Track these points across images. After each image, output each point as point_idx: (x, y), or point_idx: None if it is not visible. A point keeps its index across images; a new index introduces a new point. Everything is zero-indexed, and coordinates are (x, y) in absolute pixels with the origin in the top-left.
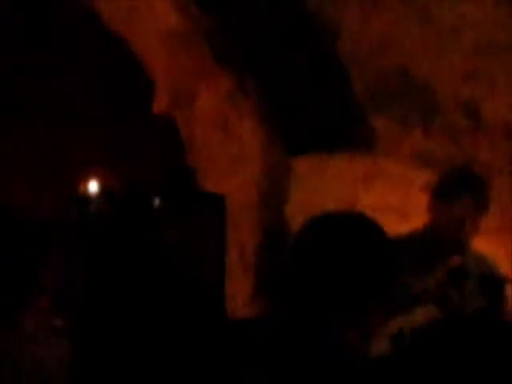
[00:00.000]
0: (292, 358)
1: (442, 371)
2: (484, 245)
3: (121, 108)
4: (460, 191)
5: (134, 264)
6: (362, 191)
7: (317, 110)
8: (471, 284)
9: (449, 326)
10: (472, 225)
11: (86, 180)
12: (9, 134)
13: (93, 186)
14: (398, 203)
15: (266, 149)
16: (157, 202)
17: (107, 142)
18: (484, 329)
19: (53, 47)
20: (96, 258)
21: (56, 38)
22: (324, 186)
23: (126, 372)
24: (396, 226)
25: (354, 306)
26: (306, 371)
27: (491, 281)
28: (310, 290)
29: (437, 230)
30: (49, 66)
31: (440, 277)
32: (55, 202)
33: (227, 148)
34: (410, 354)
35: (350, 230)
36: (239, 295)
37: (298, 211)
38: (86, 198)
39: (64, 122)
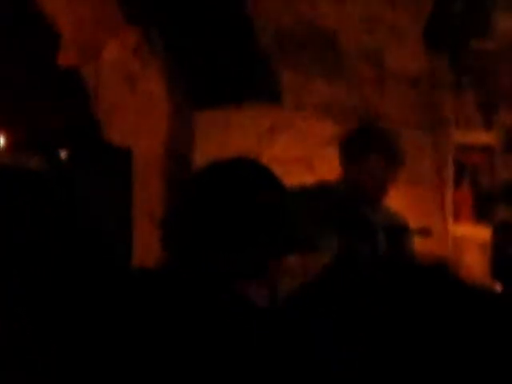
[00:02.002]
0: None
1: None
2: (390, 197)
3: (27, 60)
4: (367, 151)
5: (39, 215)
6: (266, 144)
7: (222, 63)
8: (381, 238)
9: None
10: (384, 182)
11: None
12: None
13: None
14: (304, 155)
15: (172, 102)
16: (63, 154)
17: (14, 94)
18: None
19: None
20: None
21: None
22: (229, 139)
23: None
24: (301, 178)
25: (242, 243)
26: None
27: (395, 231)
28: (196, 230)
29: (349, 186)
30: None
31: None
32: None
33: (133, 101)
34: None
35: (238, 169)
36: (148, 251)
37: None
38: None
39: None
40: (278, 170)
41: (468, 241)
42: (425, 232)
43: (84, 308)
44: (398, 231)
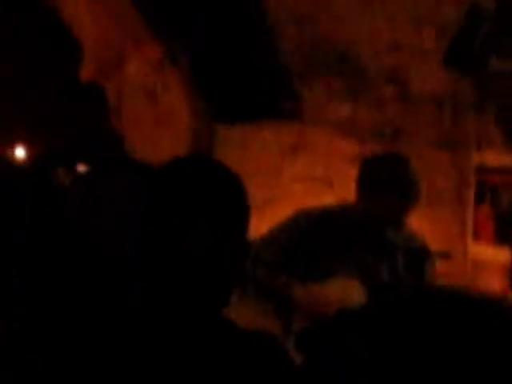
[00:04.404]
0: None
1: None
2: (409, 217)
3: (50, 73)
4: (386, 190)
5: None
6: (287, 160)
7: (245, 80)
8: (399, 259)
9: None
10: (401, 215)
11: (12, 146)
12: None
13: (19, 152)
14: (323, 172)
15: (193, 117)
16: (82, 168)
17: (36, 107)
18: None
19: None
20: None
21: None
22: (250, 155)
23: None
24: (320, 195)
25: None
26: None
27: (414, 253)
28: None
29: (367, 215)
30: None
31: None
32: None
33: (154, 115)
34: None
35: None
36: None
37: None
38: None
39: None
40: (298, 188)
41: (488, 262)
42: (444, 255)
43: (80, 309)
44: (418, 253)
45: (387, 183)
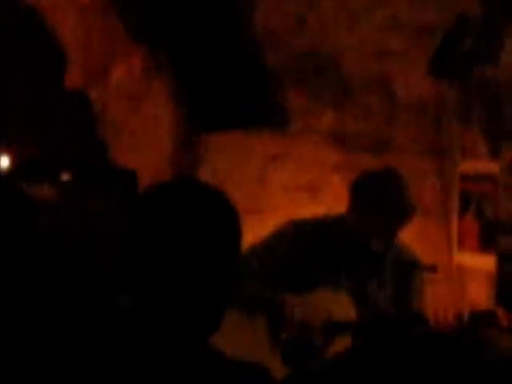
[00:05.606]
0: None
1: None
2: None
3: (34, 80)
4: (377, 209)
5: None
6: (272, 169)
7: (231, 88)
8: (388, 272)
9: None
10: (392, 233)
11: None
12: None
13: (4, 161)
14: (309, 181)
15: (178, 125)
16: (66, 176)
17: (18, 115)
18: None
19: None
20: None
21: None
22: (236, 164)
23: None
24: (306, 204)
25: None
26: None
27: (404, 267)
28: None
29: (357, 229)
30: None
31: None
32: None
33: (139, 123)
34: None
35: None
36: None
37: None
38: None
39: None
40: (284, 197)
41: (473, 270)
42: (432, 268)
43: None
44: (407, 266)
45: (380, 203)
